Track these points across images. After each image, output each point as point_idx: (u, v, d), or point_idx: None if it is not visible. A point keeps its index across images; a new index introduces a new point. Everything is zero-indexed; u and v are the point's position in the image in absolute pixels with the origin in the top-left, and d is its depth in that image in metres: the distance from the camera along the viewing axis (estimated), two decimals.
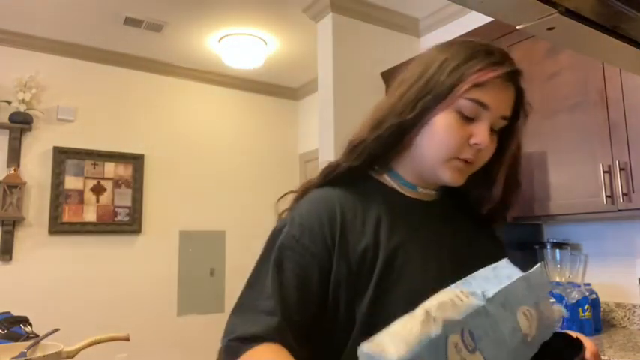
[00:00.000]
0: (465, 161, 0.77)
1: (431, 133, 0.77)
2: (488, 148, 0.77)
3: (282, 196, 0.88)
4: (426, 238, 0.80)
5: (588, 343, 0.68)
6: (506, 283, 0.56)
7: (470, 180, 0.81)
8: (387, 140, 0.78)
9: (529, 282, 0.59)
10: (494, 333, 0.51)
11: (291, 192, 0.88)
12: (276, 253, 0.77)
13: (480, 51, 0.77)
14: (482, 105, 0.75)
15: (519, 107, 0.80)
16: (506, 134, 0.81)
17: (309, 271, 0.74)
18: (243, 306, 0.77)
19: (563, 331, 0.70)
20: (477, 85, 0.74)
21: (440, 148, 0.76)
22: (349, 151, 0.81)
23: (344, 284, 0.74)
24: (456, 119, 0.75)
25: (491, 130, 0.77)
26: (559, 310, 0.60)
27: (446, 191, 0.87)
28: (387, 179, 0.84)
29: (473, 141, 0.75)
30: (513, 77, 0.78)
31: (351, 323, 0.74)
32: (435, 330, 0.47)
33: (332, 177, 0.81)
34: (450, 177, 0.78)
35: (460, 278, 0.63)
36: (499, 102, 0.76)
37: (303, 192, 0.84)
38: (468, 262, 0.71)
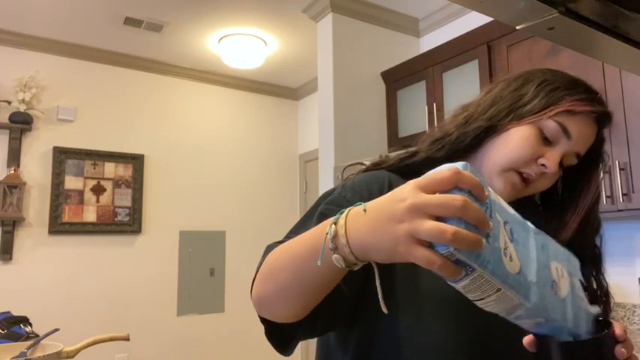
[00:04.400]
0: (523, 178, 0.76)
1: (505, 140, 0.76)
2: (551, 176, 0.76)
3: (351, 165, 0.88)
4: None
5: (615, 322, 0.69)
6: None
7: (542, 216, 0.80)
8: (469, 139, 0.78)
9: (569, 259, 0.59)
10: (526, 250, 0.51)
11: (360, 163, 0.88)
12: (324, 206, 0.74)
13: (582, 84, 0.78)
14: (565, 132, 0.74)
15: (597, 154, 0.80)
16: (582, 181, 0.80)
17: None
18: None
19: None
20: (568, 112, 0.74)
21: (507, 155, 0.76)
22: (431, 142, 0.80)
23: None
24: (535, 135, 0.75)
25: (561, 163, 0.76)
26: (595, 308, 0.60)
27: None
28: None
29: (541, 161, 0.74)
30: (602, 120, 0.78)
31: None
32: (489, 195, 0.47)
33: (408, 163, 0.80)
34: (503, 188, 0.76)
35: None
36: (581, 136, 0.75)
37: (373, 167, 0.83)
38: None
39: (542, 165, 0.74)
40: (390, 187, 0.74)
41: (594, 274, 0.81)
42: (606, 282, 0.82)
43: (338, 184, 0.82)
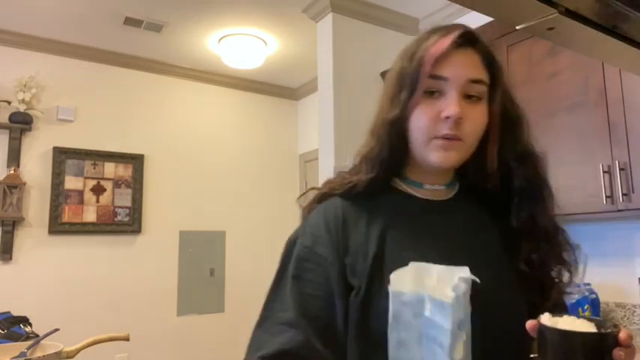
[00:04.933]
0: (445, 138, 0.75)
1: (411, 123, 0.77)
2: (468, 118, 0.74)
3: (303, 194, 0.90)
4: (425, 235, 0.79)
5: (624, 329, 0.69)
6: None
7: (470, 162, 0.80)
8: (390, 143, 0.79)
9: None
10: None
11: (314, 188, 0.88)
12: (294, 264, 0.78)
13: (429, 31, 0.79)
14: (440, 78, 0.74)
15: (493, 68, 0.78)
16: (491, 99, 0.79)
17: (328, 278, 0.75)
18: (265, 321, 0.77)
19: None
20: (435, 62, 0.74)
21: (417, 133, 0.76)
22: (362, 163, 0.82)
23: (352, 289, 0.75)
24: (423, 100, 0.75)
25: (470, 99, 0.76)
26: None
27: (473, 190, 0.85)
28: (400, 183, 0.84)
29: (444, 114, 0.74)
30: (468, 40, 0.76)
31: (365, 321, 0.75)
32: None
33: (354, 192, 0.81)
34: (436, 157, 0.76)
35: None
36: (458, 68, 0.74)
37: (322, 198, 0.85)
38: (462, 255, 0.75)
39: (447, 117, 0.74)
40: (345, 220, 0.79)
41: (533, 211, 0.80)
42: (550, 222, 0.81)
43: (299, 227, 0.84)
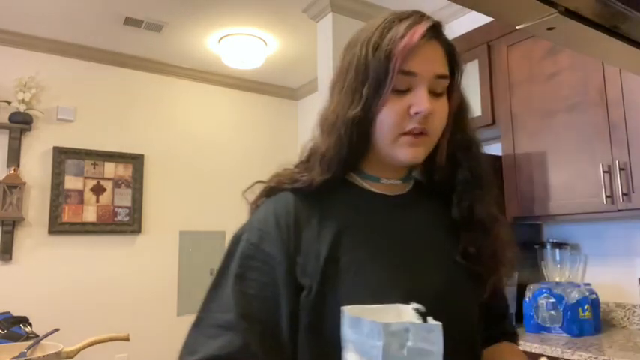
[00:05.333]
0: (413, 134, 0.73)
1: (379, 120, 0.74)
2: (435, 113, 0.73)
3: (249, 187, 0.86)
4: (381, 234, 0.76)
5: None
6: None
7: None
8: (350, 143, 0.75)
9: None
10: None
11: (260, 182, 0.85)
12: (237, 262, 0.73)
13: (390, 19, 0.75)
14: (409, 74, 0.72)
15: (453, 62, 0.77)
16: (450, 93, 0.77)
17: (274, 278, 0.71)
18: (202, 321, 0.73)
19: None
20: (405, 57, 0.71)
21: (385, 129, 0.74)
22: (316, 162, 0.78)
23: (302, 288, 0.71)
24: (391, 96, 0.72)
25: (435, 93, 0.74)
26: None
27: (429, 185, 0.84)
28: (356, 177, 0.81)
29: (413, 110, 0.72)
30: (433, 33, 0.75)
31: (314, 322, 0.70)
32: None
33: (307, 191, 0.77)
34: (405, 154, 0.74)
35: (408, 270, 0.72)
36: (426, 63, 0.72)
37: (270, 192, 0.82)
38: (417, 256, 0.74)
39: (416, 113, 0.72)
40: (297, 217, 0.74)
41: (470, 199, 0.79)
42: (489, 214, 0.79)
43: (245, 222, 0.80)
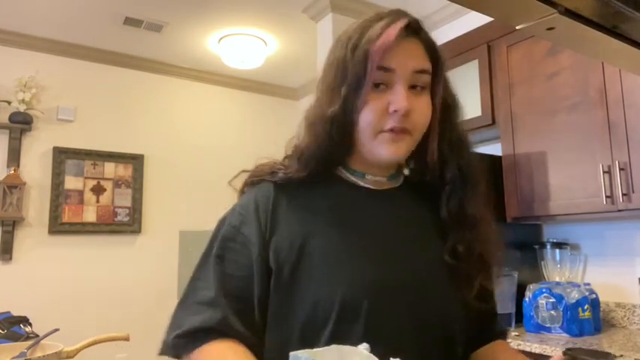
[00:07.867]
0: (394, 131, 0.73)
1: (360, 118, 0.75)
2: (415, 109, 0.74)
3: (235, 177, 0.90)
4: (357, 225, 0.77)
5: None
6: None
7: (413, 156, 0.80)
8: (329, 141, 0.76)
9: None
10: None
11: (245, 171, 0.88)
12: (218, 244, 0.78)
13: (371, 19, 0.77)
14: (386, 70, 0.72)
15: (435, 58, 0.77)
16: (433, 89, 0.77)
17: (250, 259, 0.74)
18: (187, 299, 0.77)
19: None
20: (382, 54, 0.72)
21: (364, 127, 0.74)
22: (295, 158, 0.79)
23: (272, 272, 0.74)
24: (371, 94, 0.73)
25: (417, 90, 0.75)
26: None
27: (415, 184, 0.84)
28: (342, 171, 0.82)
29: (392, 108, 0.72)
30: (413, 30, 0.75)
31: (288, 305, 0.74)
32: None
33: (289, 181, 0.79)
34: (385, 151, 0.75)
35: (394, 268, 0.72)
36: (403, 59, 0.73)
37: (253, 181, 0.85)
38: (391, 249, 0.75)
39: (395, 111, 0.73)
40: (276, 203, 0.77)
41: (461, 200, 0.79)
42: (477, 213, 0.79)
43: (231, 207, 0.83)
